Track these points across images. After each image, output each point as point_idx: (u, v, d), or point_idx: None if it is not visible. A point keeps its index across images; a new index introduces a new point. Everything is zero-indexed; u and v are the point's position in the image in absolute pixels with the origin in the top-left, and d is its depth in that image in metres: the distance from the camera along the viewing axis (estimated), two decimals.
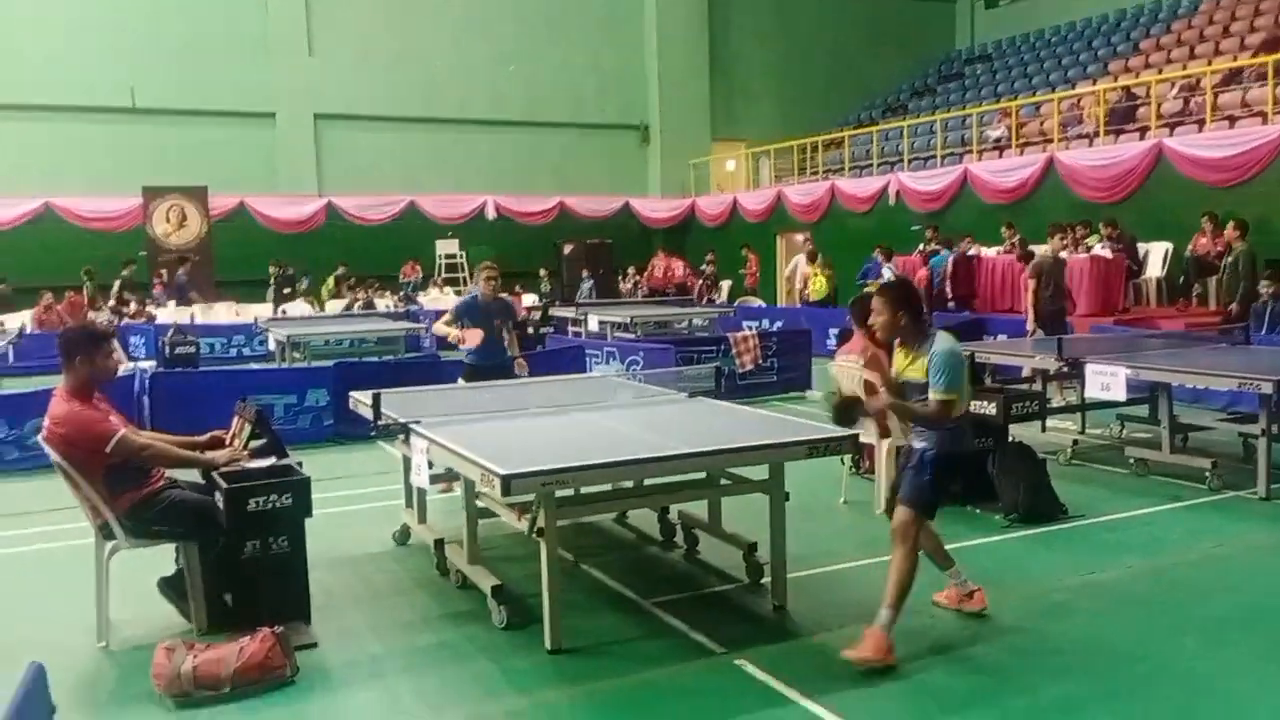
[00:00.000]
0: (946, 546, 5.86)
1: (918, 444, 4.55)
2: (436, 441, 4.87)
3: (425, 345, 16.40)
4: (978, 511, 6.61)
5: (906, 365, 4.59)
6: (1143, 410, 8.18)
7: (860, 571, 5.60)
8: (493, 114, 25.17)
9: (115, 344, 5.15)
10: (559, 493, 4.37)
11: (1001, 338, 11.81)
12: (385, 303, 19.96)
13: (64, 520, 6.80)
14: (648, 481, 5.32)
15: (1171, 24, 22.06)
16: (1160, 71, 19.05)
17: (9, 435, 8.73)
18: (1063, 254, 11.81)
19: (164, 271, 20.68)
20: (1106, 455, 8.01)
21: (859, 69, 28.15)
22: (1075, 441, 8.03)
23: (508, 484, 4.04)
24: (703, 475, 5.29)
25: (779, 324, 16.30)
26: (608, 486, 5.15)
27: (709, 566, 5.67)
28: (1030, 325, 10.94)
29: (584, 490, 4.77)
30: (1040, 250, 12.74)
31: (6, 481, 8.32)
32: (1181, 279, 14.63)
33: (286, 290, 20.42)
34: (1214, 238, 13.53)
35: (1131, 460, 7.51)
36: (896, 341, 4.68)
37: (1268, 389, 6.35)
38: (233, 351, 16.99)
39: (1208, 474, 6.98)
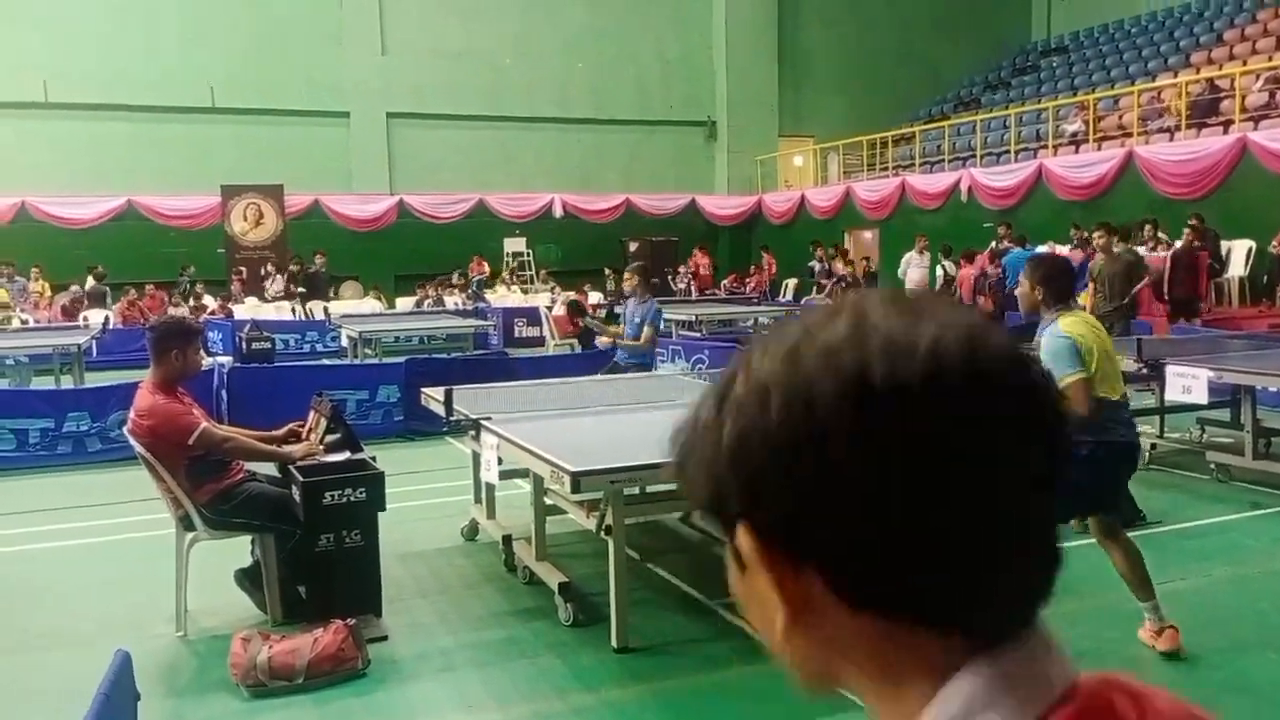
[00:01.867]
0: None
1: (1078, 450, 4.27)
2: (507, 438, 4.91)
3: (493, 342, 16.58)
4: None
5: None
6: (1224, 414, 7.94)
7: None
8: (560, 111, 25.33)
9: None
10: (626, 491, 4.38)
11: None
12: (454, 300, 20.18)
13: (145, 511, 7.01)
14: None
15: (1257, 13, 21.34)
16: (1245, 63, 18.45)
17: (92, 427, 9.01)
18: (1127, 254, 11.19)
19: (243, 268, 21.16)
20: (1186, 460, 7.78)
21: (930, 62, 27.70)
22: (1153, 445, 7.81)
23: (577, 481, 4.06)
24: None
25: None
26: (675, 485, 5.13)
27: None
28: None
29: (651, 489, 4.77)
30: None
31: (90, 472, 8.59)
32: (1265, 278, 14.19)
33: (304, 290, 20.26)
34: None
35: (1212, 465, 7.29)
36: None
37: None
38: (306, 347, 17.33)
39: None
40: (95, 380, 12.71)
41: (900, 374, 0.60)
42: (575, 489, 4.09)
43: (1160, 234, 14.63)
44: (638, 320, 8.16)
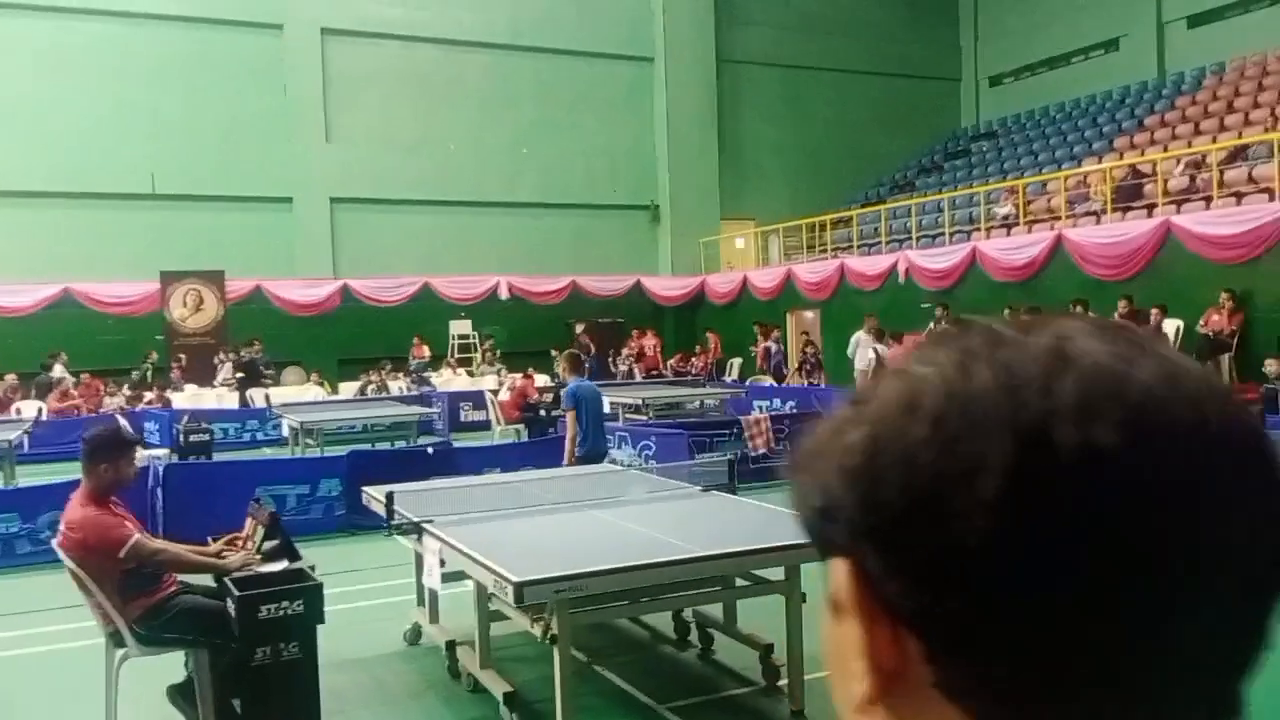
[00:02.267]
0: None
1: None
2: (449, 543, 4.85)
3: (438, 427, 16.45)
4: None
5: None
6: None
7: None
8: (507, 195, 25.57)
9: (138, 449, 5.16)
10: (572, 596, 4.33)
11: None
12: (399, 384, 20.03)
13: (75, 619, 6.76)
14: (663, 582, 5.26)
15: (1175, 100, 22.37)
16: (1165, 148, 19.26)
17: (21, 529, 8.74)
18: None
19: (183, 355, 20.85)
20: None
21: (866, 148, 28.56)
22: None
23: (520, 591, 4.01)
24: (719, 575, 5.23)
25: (790, 403, 16.30)
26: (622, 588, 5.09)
27: (724, 668, 5.59)
28: None
29: (599, 591, 4.72)
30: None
31: (17, 576, 8.29)
32: (1195, 356, 14.60)
33: (241, 375, 19.84)
34: (1231, 314, 13.54)
35: None
36: None
37: None
38: (246, 436, 17.04)
39: None
40: (27, 476, 12.37)
41: (1104, 415, 0.46)
42: (519, 600, 4.03)
43: (1090, 314, 15.05)
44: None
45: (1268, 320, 13.88)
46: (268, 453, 15.96)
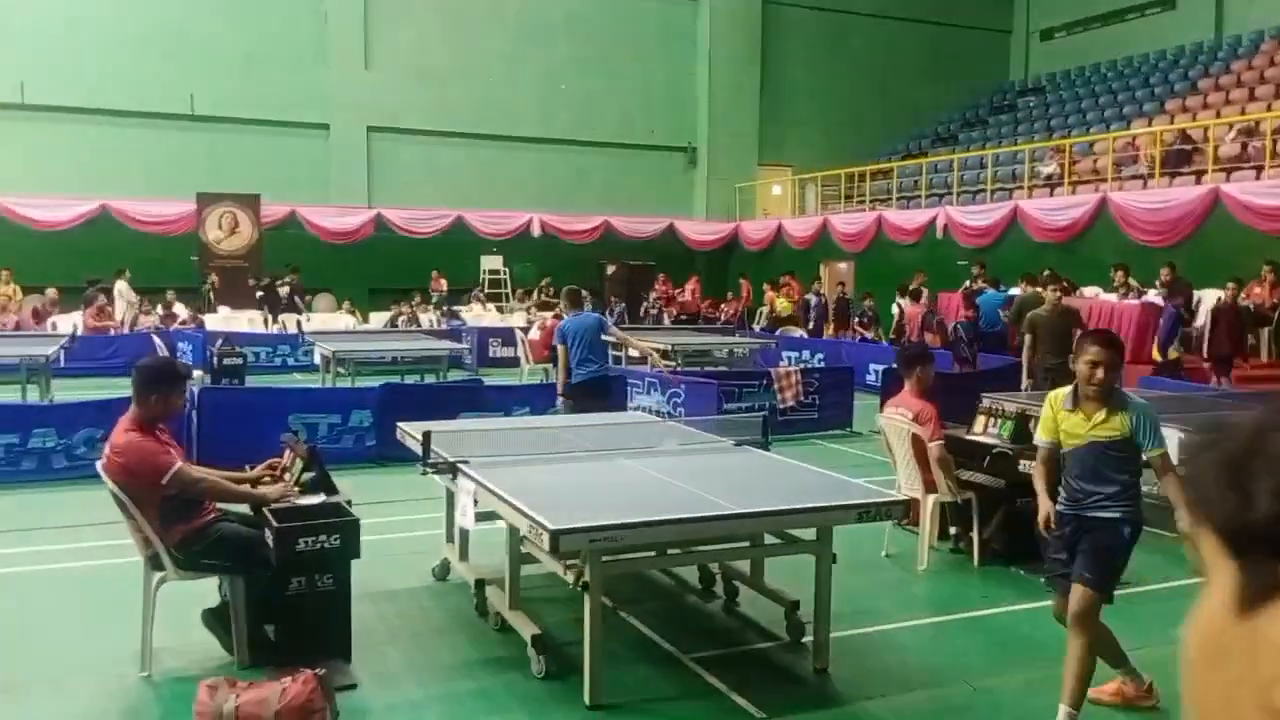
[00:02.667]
0: (990, 610, 5.81)
1: (1105, 515, 4.17)
2: (486, 485, 4.88)
3: (467, 362, 16.51)
4: (1022, 573, 6.50)
5: (1094, 425, 4.19)
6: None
7: (905, 634, 5.53)
8: (541, 131, 25.38)
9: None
10: (606, 547, 4.35)
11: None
12: (429, 317, 20.09)
13: (110, 536, 6.89)
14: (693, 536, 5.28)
15: (1231, 64, 21.76)
16: (1218, 113, 18.80)
17: (58, 444, 8.87)
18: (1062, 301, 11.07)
19: (215, 276, 20.98)
20: (1156, 518, 7.84)
21: (910, 98, 28.04)
22: None
23: (556, 540, 4.03)
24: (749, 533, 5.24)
25: (820, 356, 16.22)
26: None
27: (749, 621, 5.63)
28: (1024, 382, 10.31)
29: (633, 542, 4.75)
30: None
31: (54, 491, 8.45)
32: (1235, 327, 14.37)
33: (284, 303, 20.40)
34: (1272, 288, 13.30)
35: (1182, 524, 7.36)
36: (1068, 402, 4.29)
37: None
38: (278, 361, 17.19)
39: None
40: (63, 391, 12.55)
41: None
42: (554, 548, 4.06)
43: (1131, 280, 14.84)
44: None
45: None
46: (298, 379, 16.10)
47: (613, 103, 25.88)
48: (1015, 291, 15.65)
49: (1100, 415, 4.19)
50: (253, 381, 13.60)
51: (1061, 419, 4.33)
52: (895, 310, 17.83)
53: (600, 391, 8.45)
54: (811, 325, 18.72)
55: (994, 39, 29.78)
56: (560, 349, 8.55)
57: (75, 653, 5.06)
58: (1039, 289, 12.57)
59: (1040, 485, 4.51)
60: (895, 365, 8.35)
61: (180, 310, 19.42)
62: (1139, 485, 4.25)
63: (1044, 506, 4.45)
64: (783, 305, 20.79)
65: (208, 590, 5.44)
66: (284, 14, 22.94)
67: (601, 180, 26.00)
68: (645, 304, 22.72)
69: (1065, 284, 12.16)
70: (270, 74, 22.59)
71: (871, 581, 6.34)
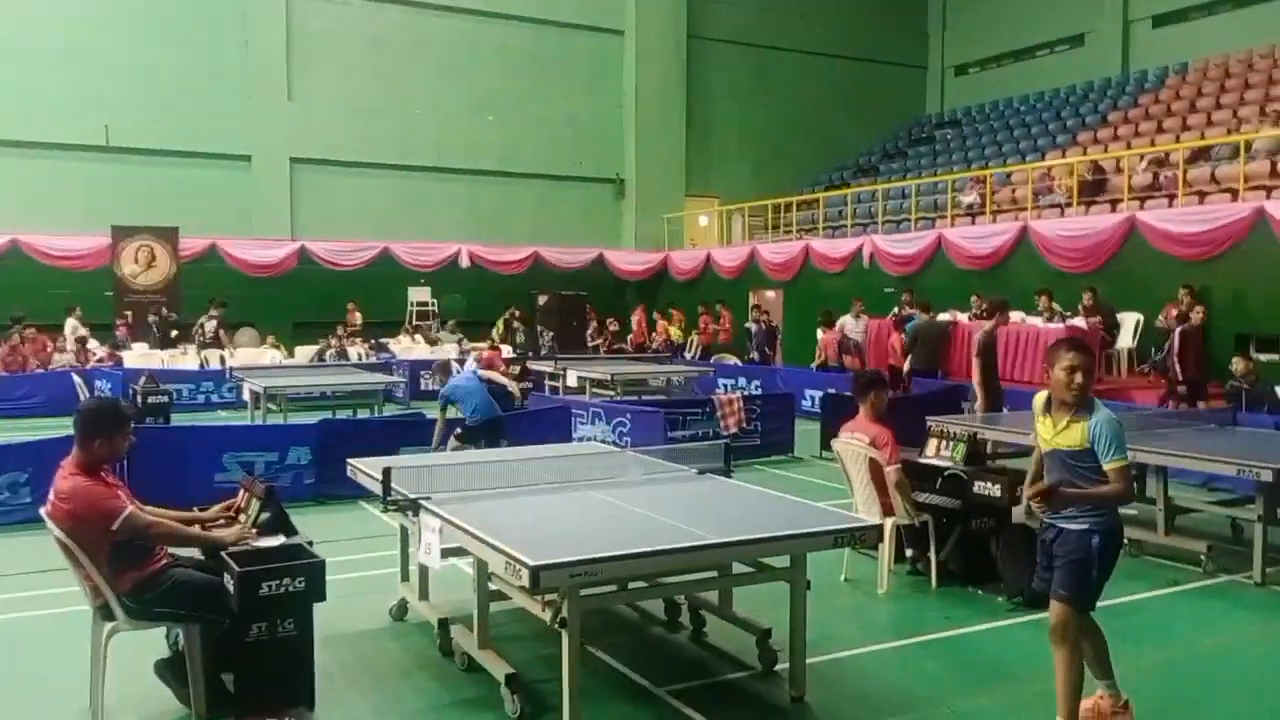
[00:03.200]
0: (953, 631, 5.84)
1: (1073, 526, 4.17)
2: (452, 522, 4.75)
3: (398, 396, 16.23)
4: (979, 593, 6.58)
5: (1056, 433, 4.21)
6: None
7: (874, 658, 5.53)
8: (469, 163, 25.26)
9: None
10: (586, 581, 4.26)
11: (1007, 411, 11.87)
12: (357, 350, 19.73)
13: (45, 585, 6.57)
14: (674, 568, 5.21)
15: (1139, 97, 22.67)
16: (1129, 145, 19.53)
17: None
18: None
19: (128, 313, 20.32)
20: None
21: (831, 130, 28.70)
22: None
23: (537, 576, 3.93)
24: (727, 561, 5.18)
25: (755, 383, 16.33)
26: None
27: (719, 651, 5.57)
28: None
29: (612, 576, 4.66)
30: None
31: None
32: (1153, 350, 14.88)
33: (173, 334, 19.90)
34: (1188, 310, 13.78)
35: (1126, 541, 7.52)
36: (1043, 407, 4.31)
37: (1267, 476, 6.41)
38: (201, 398, 16.68)
39: (1203, 557, 7.02)
40: None
41: None
42: (535, 584, 3.95)
43: (1054, 305, 15.26)
44: None
45: (1224, 318, 14.17)
46: (224, 416, 15.66)
47: (541, 134, 25.89)
48: (944, 317, 16.04)
49: (1064, 423, 4.18)
50: (178, 420, 13.17)
51: (1038, 422, 4.36)
52: (819, 336, 18.20)
53: (495, 431, 9.67)
54: (754, 353, 18.85)
55: (911, 74, 30.63)
56: (444, 409, 9.75)
57: (18, 711, 4.78)
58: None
59: (1029, 477, 4.60)
60: (849, 391, 8.42)
61: (96, 348, 18.75)
62: None
63: (1029, 485, 4.47)
64: (675, 333, 21.80)
65: (158, 639, 5.20)
66: (204, 44, 22.48)
67: (530, 211, 25.96)
68: (589, 333, 22.52)
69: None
70: (190, 105, 22.09)
71: (834, 607, 6.35)
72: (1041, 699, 4.83)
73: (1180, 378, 12.33)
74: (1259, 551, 6.74)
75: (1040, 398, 4.41)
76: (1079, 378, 4.12)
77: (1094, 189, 17.97)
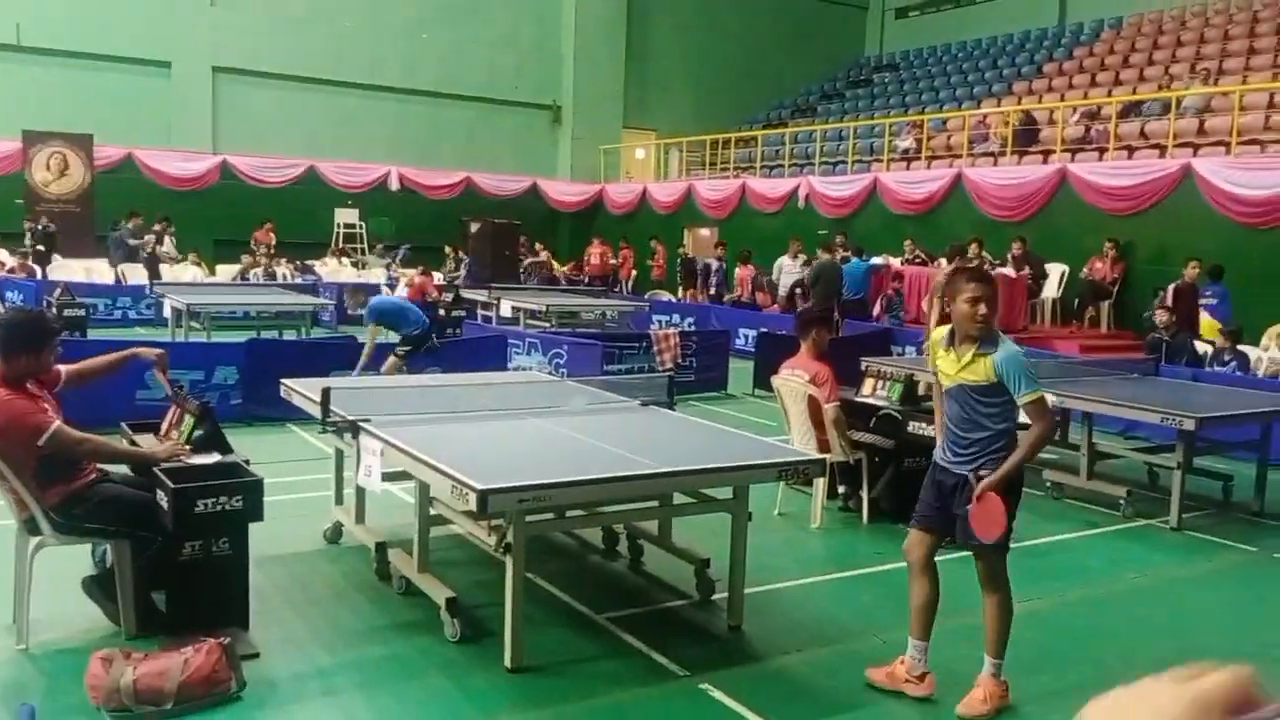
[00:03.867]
0: (884, 566, 5.97)
1: (970, 469, 4.05)
2: (394, 445, 4.67)
3: (324, 319, 15.91)
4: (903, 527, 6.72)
5: (961, 367, 4.05)
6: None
7: (807, 590, 5.64)
8: (402, 82, 24.58)
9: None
10: (534, 507, 4.24)
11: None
12: (283, 271, 19.24)
13: None
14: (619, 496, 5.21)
15: (1074, 50, 22.92)
16: (1062, 96, 19.78)
17: None
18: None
19: (36, 223, 19.43)
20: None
21: (772, 68, 28.48)
22: None
23: (484, 500, 3.89)
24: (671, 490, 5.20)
25: (689, 320, 16.35)
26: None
27: (656, 580, 5.62)
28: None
29: (559, 503, 4.64)
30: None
31: None
32: (1076, 301, 15.25)
33: (41, 249, 18.53)
34: (1114, 263, 14.12)
35: (1048, 483, 7.76)
36: (945, 341, 4.15)
37: (1189, 425, 6.63)
38: (118, 314, 16.13)
39: (1122, 501, 7.27)
40: None
41: None
42: (482, 508, 3.91)
43: (984, 254, 15.50)
44: None
45: (1145, 272, 14.56)
46: (141, 333, 15.16)
47: (478, 56, 25.26)
48: (878, 260, 16.19)
49: (968, 357, 4.01)
50: (94, 336, 12.70)
51: (939, 356, 4.19)
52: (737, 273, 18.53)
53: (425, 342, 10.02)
54: (710, 292, 19.02)
55: (852, 14, 30.51)
56: (371, 328, 9.88)
57: None
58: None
59: (938, 419, 4.39)
60: (784, 331, 8.46)
61: (5, 257, 17.95)
62: (1013, 435, 4.07)
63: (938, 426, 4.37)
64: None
65: (82, 555, 5.06)
66: None
67: (464, 135, 25.41)
68: (522, 265, 22.12)
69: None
70: (107, 5, 21.05)
71: (769, 540, 6.43)
72: (966, 630, 4.97)
73: (1168, 334, 12.17)
74: (1176, 497, 6.99)
75: (940, 332, 4.26)
76: (982, 308, 3.95)
77: (1027, 139, 18.20)
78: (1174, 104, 15.72)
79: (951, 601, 4.43)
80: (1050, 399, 7.15)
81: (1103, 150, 16.54)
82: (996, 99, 21.70)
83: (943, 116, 21.29)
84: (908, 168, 19.57)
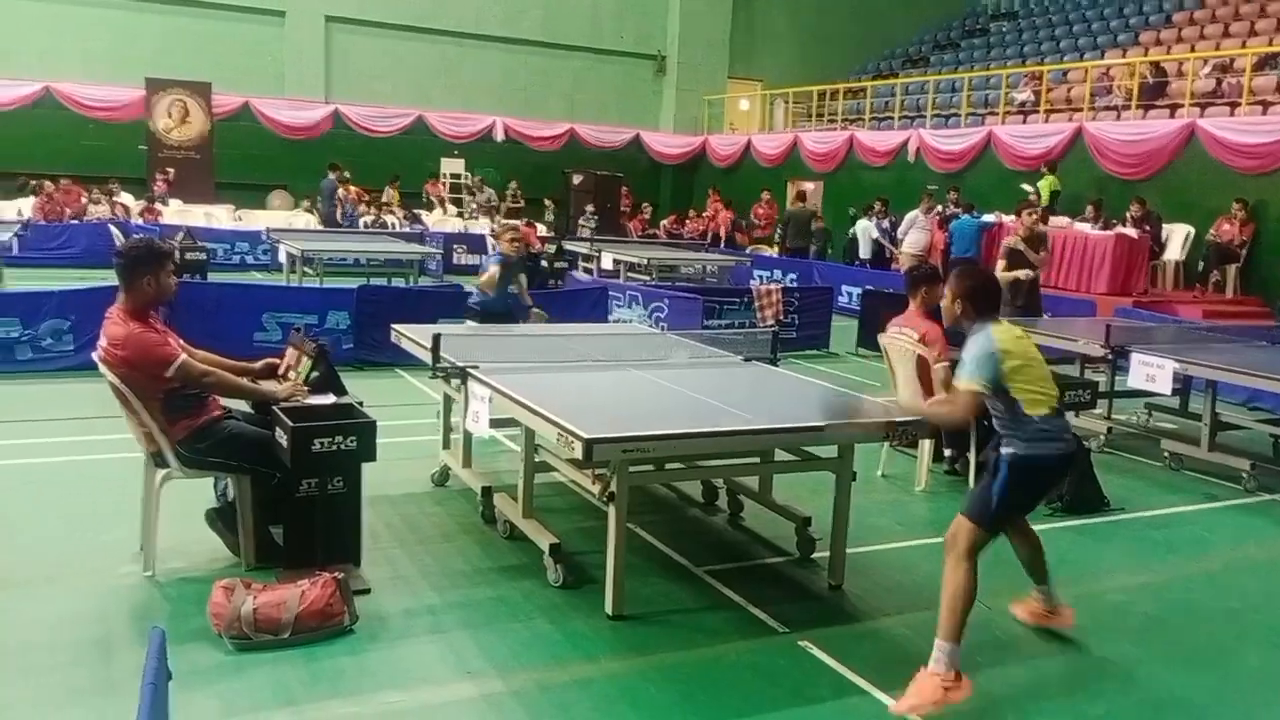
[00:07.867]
0: None
1: (1003, 450, 4.10)
2: (504, 392, 4.74)
3: (431, 268, 16.19)
4: None
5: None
6: (1171, 400, 8.14)
7: (910, 552, 5.57)
8: (507, 31, 24.62)
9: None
10: (637, 457, 4.26)
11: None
12: (392, 219, 19.61)
13: (83, 431, 6.68)
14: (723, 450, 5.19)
15: None
16: (1193, 47, 18.78)
17: (23, 335, 8.51)
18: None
19: (170, 169, 20.18)
20: (1137, 445, 7.98)
21: (883, 16, 27.66)
22: (1109, 430, 7.99)
23: (590, 449, 3.91)
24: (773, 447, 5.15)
25: (792, 276, 16.15)
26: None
27: (756, 536, 5.61)
28: None
29: (661, 454, 4.66)
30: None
31: (19, 383, 8.14)
32: (1201, 264, 14.57)
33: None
34: (1242, 225, 13.44)
35: (1166, 454, 7.48)
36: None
37: None
38: (235, 259, 16.70)
39: (1245, 475, 6.97)
40: (17, 280, 12.05)
41: None
42: (588, 457, 3.94)
43: (1102, 213, 14.93)
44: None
45: (1277, 234, 13.83)
46: (258, 277, 15.68)
47: (581, 4, 25.14)
48: (989, 218, 15.71)
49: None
50: (214, 279, 13.18)
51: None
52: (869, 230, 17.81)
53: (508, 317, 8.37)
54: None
55: None
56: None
57: (70, 551, 4.88)
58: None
59: None
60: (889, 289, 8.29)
61: (129, 201, 18.70)
62: (1017, 424, 4.01)
63: None
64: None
65: (208, 489, 5.28)
66: None
67: (568, 85, 25.39)
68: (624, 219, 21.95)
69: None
70: None
71: (872, 501, 6.36)
72: (1077, 602, 4.86)
73: None
74: None
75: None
76: (956, 306, 4.15)
77: (1153, 92, 17.35)
78: None
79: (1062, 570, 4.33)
80: (1173, 366, 6.91)
81: (1234, 105, 15.67)
82: (1122, 49, 20.70)
83: (1063, 68, 20.41)
84: (1024, 121, 18.87)
